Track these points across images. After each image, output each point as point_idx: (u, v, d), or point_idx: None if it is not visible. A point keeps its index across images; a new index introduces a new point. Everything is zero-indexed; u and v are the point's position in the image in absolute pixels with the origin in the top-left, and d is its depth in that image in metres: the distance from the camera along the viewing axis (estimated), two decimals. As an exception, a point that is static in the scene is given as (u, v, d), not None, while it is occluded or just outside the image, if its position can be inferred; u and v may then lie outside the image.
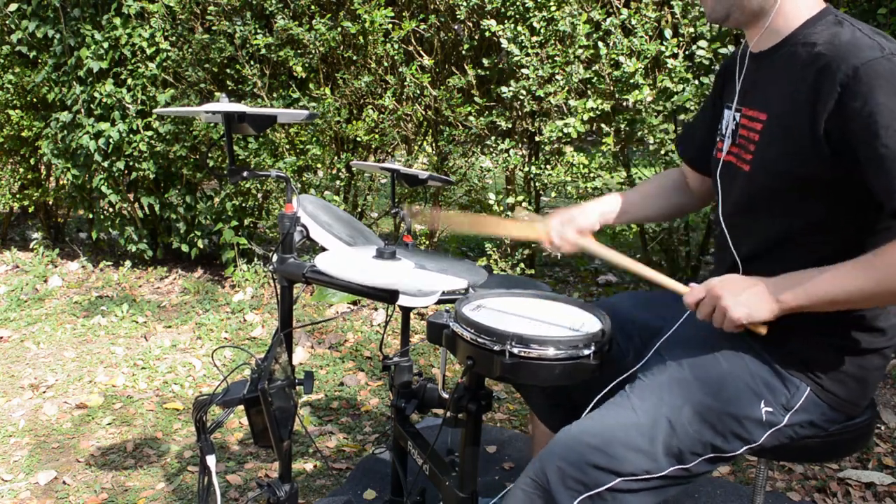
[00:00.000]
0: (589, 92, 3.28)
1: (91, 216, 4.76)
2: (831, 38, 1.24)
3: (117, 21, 4.00)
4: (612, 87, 3.21)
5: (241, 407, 1.57)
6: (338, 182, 3.96)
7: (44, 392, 3.05)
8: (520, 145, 3.54)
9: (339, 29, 3.51)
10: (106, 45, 4.04)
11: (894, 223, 1.17)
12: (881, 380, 1.41)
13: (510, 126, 3.47)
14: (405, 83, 3.57)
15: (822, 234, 1.29)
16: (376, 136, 3.78)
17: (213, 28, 3.78)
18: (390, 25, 3.50)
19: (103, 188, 4.30)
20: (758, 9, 1.33)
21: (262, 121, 1.56)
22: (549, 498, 1.25)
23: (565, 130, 3.22)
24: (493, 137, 3.51)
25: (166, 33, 3.96)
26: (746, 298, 1.22)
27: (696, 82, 3.07)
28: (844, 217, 1.27)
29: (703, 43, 3.06)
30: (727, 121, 1.47)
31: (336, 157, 3.91)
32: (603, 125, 3.29)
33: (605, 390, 1.37)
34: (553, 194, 3.60)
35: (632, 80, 3.11)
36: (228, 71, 3.90)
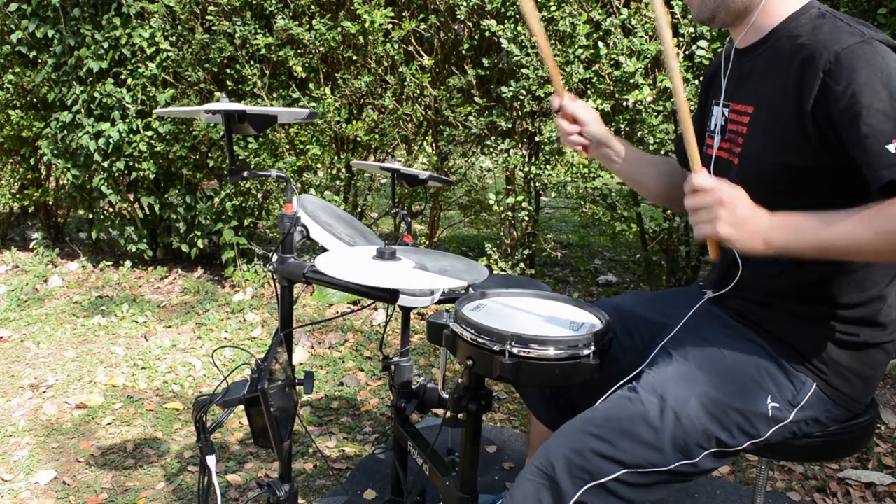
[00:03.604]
0: (589, 92, 3.27)
1: (91, 216, 4.76)
2: (814, 29, 1.27)
3: (117, 21, 4.00)
4: (612, 87, 3.21)
5: (241, 407, 1.57)
6: (338, 182, 3.96)
7: (44, 392, 3.05)
8: (520, 145, 3.54)
9: (339, 29, 3.51)
10: (106, 45, 4.04)
11: (884, 201, 1.16)
12: (882, 375, 1.41)
13: (510, 126, 3.47)
14: (405, 83, 3.57)
15: None
16: (376, 136, 3.78)
17: (213, 28, 3.78)
18: (390, 25, 3.50)
19: (103, 188, 4.30)
20: (742, 8, 1.36)
21: (262, 120, 1.56)
22: (555, 486, 1.25)
23: (565, 130, 3.21)
24: (493, 137, 3.51)
25: (166, 33, 3.96)
26: (741, 222, 1.18)
27: (696, 82, 3.07)
28: (835, 204, 1.27)
29: (703, 43, 3.06)
30: (716, 117, 1.49)
31: (336, 157, 3.91)
32: (603, 125, 3.29)
33: (609, 393, 1.37)
34: (553, 194, 3.60)
35: (632, 80, 3.11)
36: (228, 71, 3.91)
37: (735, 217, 1.18)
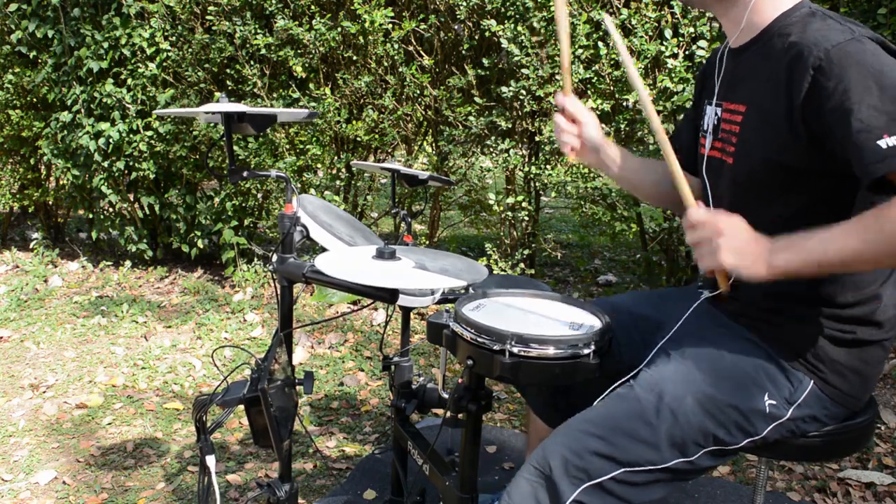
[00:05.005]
0: (589, 92, 3.28)
1: (91, 216, 4.76)
2: (804, 27, 1.26)
3: (117, 21, 4.00)
4: (612, 87, 3.21)
5: (241, 407, 1.57)
6: (338, 182, 3.96)
7: (44, 392, 3.05)
8: (520, 145, 3.54)
9: (339, 29, 3.51)
10: (106, 45, 4.04)
11: (874, 197, 1.16)
12: (881, 372, 1.41)
13: (510, 126, 3.47)
14: (405, 83, 3.57)
15: (806, 222, 1.28)
16: (376, 136, 3.78)
17: (213, 28, 3.78)
18: (390, 25, 3.50)
19: (103, 188, 4.31)
20: None
21: (261, 120, 1.56)
22: (552, 486, 1.25)
23: (565, 130, 3.21)
24: (493, 137, 3.51)
25: (166, 33, 3.96)
26: (742, 249, 1.18)
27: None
28: (827, 204, 1.27)
29: (703, 43, 3.06)
30: (709, 117, 1.49)
31: (336, 157, 3.91)
32: (603, 125, 3.28)
33: (608, 392, 1.37)
34: (553, 194, 3.60)
35: (632, 80, 3.11)
36: (228, 71, 3.91)
37: (736, 245, 1.17)
